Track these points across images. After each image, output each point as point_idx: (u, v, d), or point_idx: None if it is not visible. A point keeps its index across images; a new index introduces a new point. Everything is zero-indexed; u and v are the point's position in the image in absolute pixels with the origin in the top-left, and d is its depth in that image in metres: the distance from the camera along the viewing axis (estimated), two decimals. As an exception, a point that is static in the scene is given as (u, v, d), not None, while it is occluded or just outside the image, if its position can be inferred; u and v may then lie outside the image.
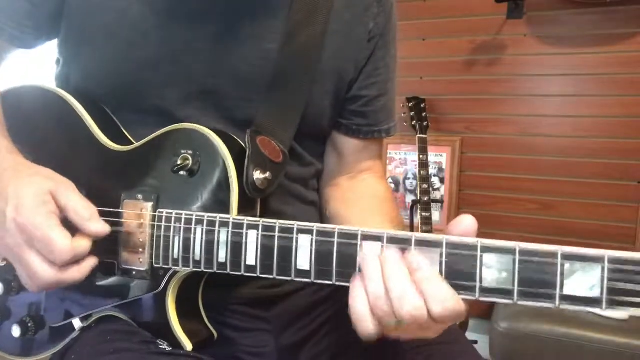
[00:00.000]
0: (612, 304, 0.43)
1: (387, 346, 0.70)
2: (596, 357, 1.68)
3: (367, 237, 0.50)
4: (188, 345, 0.62)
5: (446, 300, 0.47)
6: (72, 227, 0.57)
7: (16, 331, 0.68)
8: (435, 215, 2.46)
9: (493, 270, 0.46)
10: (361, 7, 0.76)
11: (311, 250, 0.52)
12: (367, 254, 0.50)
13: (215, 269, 0.57)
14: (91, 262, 0.59)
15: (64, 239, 0.54)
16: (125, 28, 0.67)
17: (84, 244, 0.57)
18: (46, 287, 0.57)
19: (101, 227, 0.58)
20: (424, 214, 2.20)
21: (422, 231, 2.19)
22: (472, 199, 2.46)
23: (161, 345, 0.62)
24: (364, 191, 0.82)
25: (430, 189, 2.31)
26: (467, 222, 0.49)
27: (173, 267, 0.60)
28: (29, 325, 0.68)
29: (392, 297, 0.48)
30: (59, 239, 0.54)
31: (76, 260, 0.57)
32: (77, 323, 0.67)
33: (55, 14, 0.71)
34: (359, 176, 0.85)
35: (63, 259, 0.55)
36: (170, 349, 0.62)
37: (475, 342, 2.07)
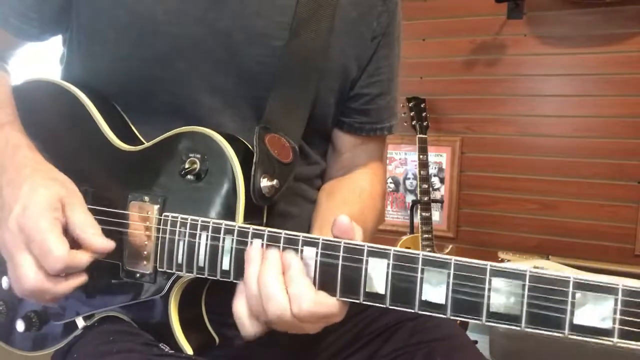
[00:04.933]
0: (624, 336, 0.41)
1: (387, 342, 0.71)
2: (596, 357, 1.68)
3: (373, 254, 0.50)
4: (188, 350, 0.61)
5: (302, 302, 0.50)
6: (74, 241, 0.57)
7: (20, 326, 0.68)
8: (435, 215, 2.46)
9: (501, 294, 0.45)
10: (366, 6, 0.76)
11: (316, 262, 0.52)
12: (251, 254, 0.54)
13: (218, 277, 0.57)
14: (79, 280, 0.58)
15: (61, 247, 0.54)
16: (135, 25, 0.67)
17: (80, 258, 0.56)
18: (29, 293, 0.56)
19: (104, 243, 0.58)
20: (424, 214, 2.20)
21: (422, 231, 2.19)
22: (472, 199, 2.46)
23: (164, 348, 0.63)
24: (345, 183, 0.82)
25: (430, 189, 2.31)
26: (338, 223, 0.52)
27: (177, 272, 0.60)
28: (33, 320, 0.69)
29: (262, 296, 0.52)
30: (56, 245, 0.54)
31: (67, 274, 0.56)
32: (80, 321, 0.67)
33: (62, 9, 0.71)
34: (351, 171, 0.85)
35: (55, 267, 0.54)
36: (172, 351, 0.62)
37: (475, 342, 2.07)
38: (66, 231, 0.57)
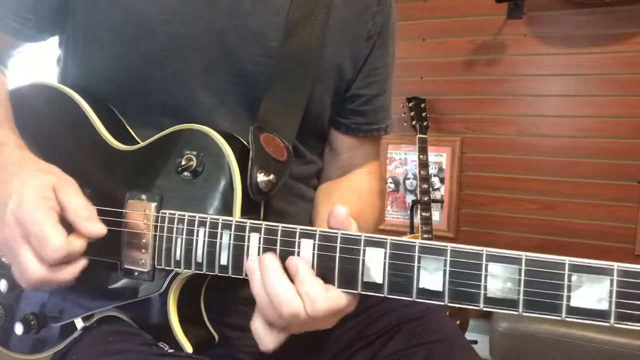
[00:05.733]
0: (621, 318, 0.41)
1: (388, 344, 0.71)
2: (596, 357, 1.68)
3: (369, 243, 0.50)
4: (188, 348, 0.61)
5: (316, 302, 0.50)
6: (69, 226, 0.57)
7: (19, 328, 0.68)
8: (435, 215, 2.46)
9: (498, 280, 0.45)
10: (361, 6, 0.77)
11: (313, 254, 0.52)
12: (250, 266, 0.54)
13: (216, 272, 0.57)
14: (81, 264, 0.58)
15: (59, 237, 0.54)
16: (130, 24, 0.67)
17: (78, 244, 0.56)
18: (35, 285, 0.57)
19: (98, 228, 0.58)
20: (424, 214, 2.20)
21: (422, 231, 2.19)
22: (472, 199, 2.46)
23: (163, 347, 0.62)
24: (343, 184, 0.83)
25: (430, 189, 2.31)
26: (335, 213, 0.52)
27: (175, 269, 0.60)
28: (32, 323, 0.68)
29: (272, 300, 0.51)
30: (54, 236, 0.54)
31: (68, 261, 0.56)
32: (79, 323, 0.67)
33: (59, 9, 0.72)
34: (349, 171, 0.85)
35: (55, 257, 0.54)
36: (172, 350, 0.62)
37: (475, 342, 2.08)
38: (62, 218, 0.57)
